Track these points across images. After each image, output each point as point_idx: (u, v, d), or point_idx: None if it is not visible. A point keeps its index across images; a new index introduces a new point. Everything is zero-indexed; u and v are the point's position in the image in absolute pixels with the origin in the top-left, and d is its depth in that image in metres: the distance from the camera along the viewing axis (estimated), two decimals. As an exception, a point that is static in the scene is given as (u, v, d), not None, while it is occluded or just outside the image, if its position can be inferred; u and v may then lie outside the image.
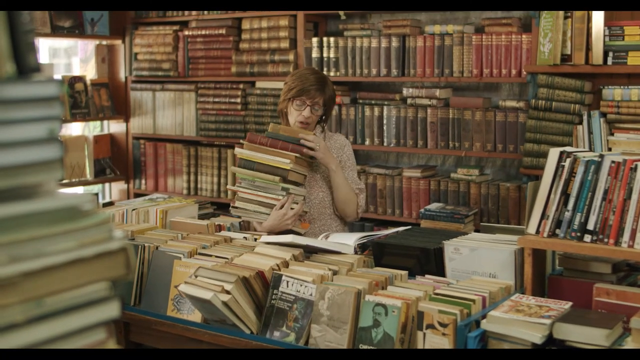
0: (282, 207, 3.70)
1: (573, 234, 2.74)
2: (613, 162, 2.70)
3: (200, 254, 3.26)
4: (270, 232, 3.68)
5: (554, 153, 2.85)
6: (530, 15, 4.71)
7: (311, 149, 3.76)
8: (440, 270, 3.05)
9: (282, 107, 3.99)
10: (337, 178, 3.86)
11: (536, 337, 2.36)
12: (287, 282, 2.84)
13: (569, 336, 2.37)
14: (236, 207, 3.78)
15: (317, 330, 2.71)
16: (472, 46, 4.98)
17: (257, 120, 5.85)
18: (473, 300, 2.56)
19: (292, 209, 3.71)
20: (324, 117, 4.01)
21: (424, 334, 2.48)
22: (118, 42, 6.56)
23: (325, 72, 5.45)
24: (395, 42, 5.22)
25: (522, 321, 2.40)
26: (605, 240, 2.68)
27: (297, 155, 3.74)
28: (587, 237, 2.71)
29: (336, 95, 4.10)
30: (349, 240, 3.35)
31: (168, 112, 6.37)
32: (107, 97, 6.51)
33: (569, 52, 4.53)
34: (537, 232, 2.82)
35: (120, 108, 6.63)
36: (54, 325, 1.23)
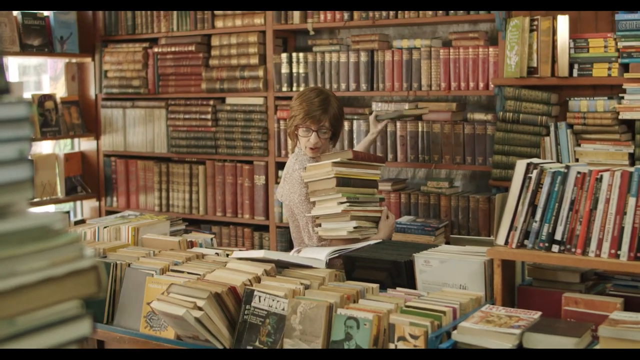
0: (387, 216, 3.91)
1: (541, 245, 2.77)
2: (579, 172, 2.73)
3: (172, 270, 3.25)
4: None
5: (521, 165, 2.87)
6: (497, 29, 4.76)
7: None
8: (411, 283, 3.07)
9: (290, 132, 4.03)
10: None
11: (506, 347, 2.38)
12: (259, 297, 2.85)
13: (539, 345, 2.40)
14: (355, 228, 3.77)
15: (289, 345, 2.72)
16: (439, 60, 5.02)
17: (228, 137, 5.86)
18: (444, 312, 2.58)
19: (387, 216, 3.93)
20: (334, 134, 4.06)
21: (396, 346, 2.50)
22: (88, 59, 6.55)
23: (295, 88, 5.48)
24: (363, 57, 5.26)
25: (493, 332, 2.43)
26: (573, 250, 2.71)
27: (375, 163, 3.98)
28: (555, 247, 2.74)
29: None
30: (320, 255, 3.36)
31: (139, 129, 6.36)
32: (77, 114, 6.49)
33: (535, 65, 4.59)
34: (506, 243, 2.84)
35: (91, 126, 6.61)
36: (26, 344, 1.24)
